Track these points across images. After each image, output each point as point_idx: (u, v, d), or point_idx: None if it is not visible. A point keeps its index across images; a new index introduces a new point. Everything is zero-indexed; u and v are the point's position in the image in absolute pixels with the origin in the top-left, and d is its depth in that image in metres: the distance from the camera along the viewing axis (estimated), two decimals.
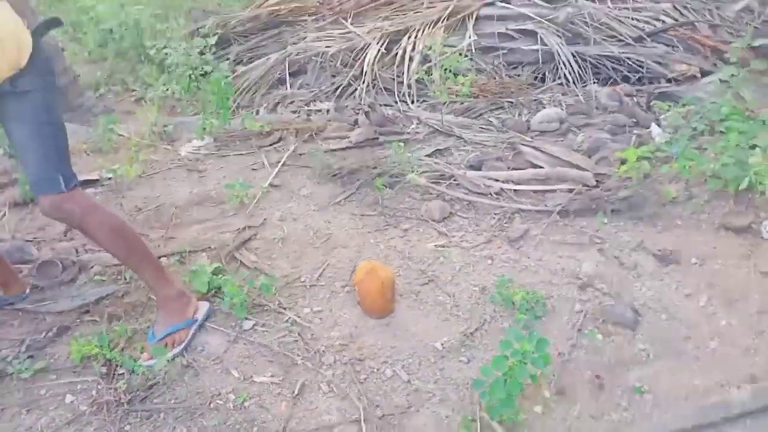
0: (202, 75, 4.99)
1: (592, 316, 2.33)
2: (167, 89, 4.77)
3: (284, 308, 2.43)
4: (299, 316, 2.39)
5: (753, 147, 2.94)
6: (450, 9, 4.81)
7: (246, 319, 2.36)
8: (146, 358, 2.16)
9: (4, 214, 3.16)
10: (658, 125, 3.58)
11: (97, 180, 3.43)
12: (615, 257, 2.63)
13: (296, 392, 2.06)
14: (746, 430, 1.87)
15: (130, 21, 5.80)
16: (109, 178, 3.41)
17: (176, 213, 3.11)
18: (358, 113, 4.06)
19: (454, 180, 3.23)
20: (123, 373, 2.13)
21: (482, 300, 2.44)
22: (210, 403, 2.04)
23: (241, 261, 2.69)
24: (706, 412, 1.90)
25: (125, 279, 2.58)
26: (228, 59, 5.14)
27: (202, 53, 5.02)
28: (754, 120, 3.28)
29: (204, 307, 2.35)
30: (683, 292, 2.42)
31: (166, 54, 4.99)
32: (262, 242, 2.85)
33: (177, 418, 1.99)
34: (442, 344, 2.25)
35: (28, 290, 2.51)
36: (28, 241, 2.89)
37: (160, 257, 2.61)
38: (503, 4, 4.83)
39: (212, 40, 5.07)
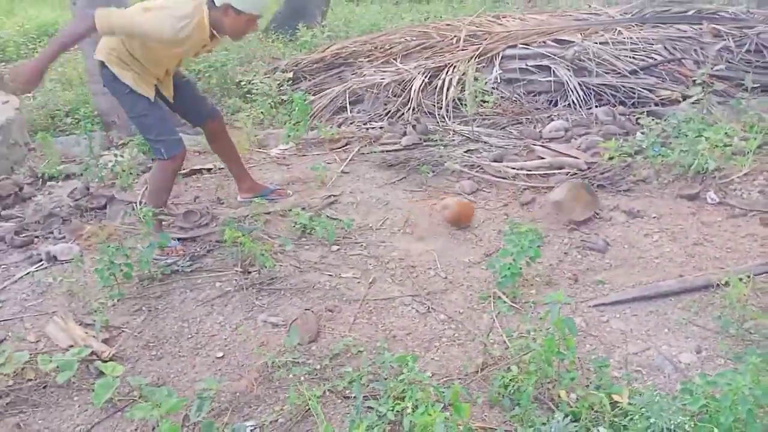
0: (279, 103, 6.22)
1: (575, 246, 3.32)
2: (253, 113, 5.97)
3: (358, 241, 3.49)
4: (369, 244, 3.44)
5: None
6: (480, 50, 5.96)
7: (333, 244, 3.43)
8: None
9: (146, 188, 4.32)
10: (642, 133, 4.59)
11: (211, 168, 4.59)
12: (596, 212, 3.62)
13: (370, 281, 3.10)
14: (669, 302, 2.81)
15: (218, 64, 7.09)
16: (221, 168, 4.56)
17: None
18: (406, 127, 5.18)
19: (481, 168, 4.28)
20: (253, 271, 3.20)
21: (499, 237, 3.46)
22: (314, 287, 3.08)
23: (326, 215, 3.77)
24: (644, 290, 2.86)
25: (243, 223, 3.68)
26: (301, 90, 6.35)
27: (280, 86, 6.26)
28: (713, 126, 4.29)
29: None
30: (642, 233, 3.40)
31: (252, 85, 6.24)
32: (340, 205, 3.93)
33: (293, 294, 3.04)
34: (470, 260, 3.27)
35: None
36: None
37: (268, 213, 3.74)
38: (523, 46, 5.96)
39: (289, 74, 6.32)
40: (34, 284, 3.23)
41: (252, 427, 2.22)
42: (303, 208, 3.81)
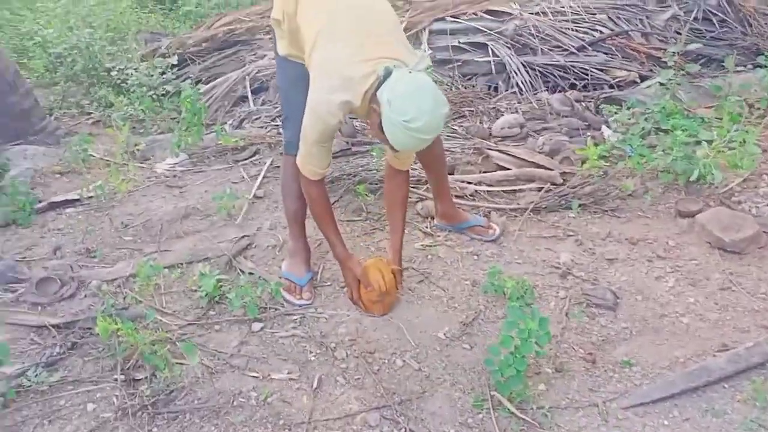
0: (163, 95, 5.02)
1: (576, 301, 2.56)
2: (130, 110, 4.74)
3: (289, 312, 2.54)
4: (305, 315, 2.51)
5: (698, 143, 3.29)
6: (404, 24, 5.03)
7: (255, 320, 2.47)
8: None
9: None
10: (608, 126, 3.89)
11: (78, 200, 3.43)
12: (589, 247, 2.88)
13: (315, 386, 2.18)
14: (724, 392, 2.11)
15: (82, 45, 5.68)
16: (91, 197, 3.43)
17: (165, 227, 3.16)
18: None
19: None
20: (142, 379, 2.20)
21: (474, 292, 2.63)
22: (233, 402, 2.13)
23: (241, 269, 2.78)
24: (690, 378, 2.13)
25: (123, 293, 2.63)
26: (189, 78, 5.17)
27: (163, 73, 5.05)
28: (693, 118, 3.65)
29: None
30: (653, 275, 2.69)
31: (127, 75, 4.99)
32: (257, 251, 2.95)
33: (203, 417, 2.08)
34: (445, 334, 2.42)
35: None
36: (17, 261, 2.89)
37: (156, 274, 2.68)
38: (453, 19, 5.09)
39: (173, 60, 5.11)
40: None
41: None
42: (208, 258, 2.81)
